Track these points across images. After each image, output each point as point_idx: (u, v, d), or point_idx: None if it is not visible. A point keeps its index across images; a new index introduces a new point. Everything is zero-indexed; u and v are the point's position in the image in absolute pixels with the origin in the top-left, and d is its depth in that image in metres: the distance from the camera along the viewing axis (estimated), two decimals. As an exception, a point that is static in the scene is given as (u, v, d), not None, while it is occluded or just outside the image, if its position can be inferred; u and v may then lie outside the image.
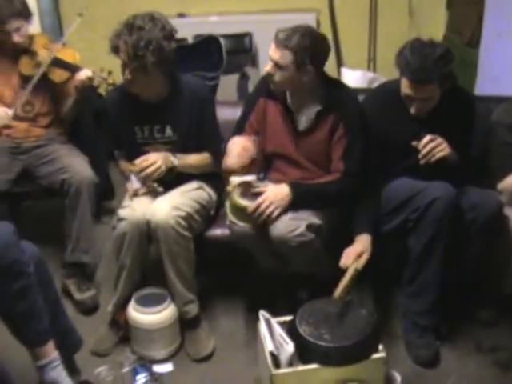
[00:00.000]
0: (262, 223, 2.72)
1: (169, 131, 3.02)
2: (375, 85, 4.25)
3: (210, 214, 3.08)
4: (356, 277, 2.64)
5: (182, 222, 2.80)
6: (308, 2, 5.33)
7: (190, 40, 5.02)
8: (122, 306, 2.98)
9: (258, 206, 2.69)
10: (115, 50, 2.83)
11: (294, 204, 2.75)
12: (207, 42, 4.89)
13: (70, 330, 2.73)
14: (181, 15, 5.25)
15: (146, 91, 2.96)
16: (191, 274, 2.92)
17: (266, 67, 2.78)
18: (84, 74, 3.29)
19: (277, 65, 2.72)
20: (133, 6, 5.38)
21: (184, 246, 2.84)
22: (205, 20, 5.34)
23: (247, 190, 2.78)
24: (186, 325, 3.00)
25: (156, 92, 2.97)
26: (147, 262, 3.00)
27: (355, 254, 2.73)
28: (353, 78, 4.61)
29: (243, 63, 4.95)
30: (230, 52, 4.86)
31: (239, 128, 3.02)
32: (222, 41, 4.84)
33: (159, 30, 2.79)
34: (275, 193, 2.72)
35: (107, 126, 3.18)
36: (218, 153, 3.07)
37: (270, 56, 2.75)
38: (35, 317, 2.49)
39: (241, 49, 5.07)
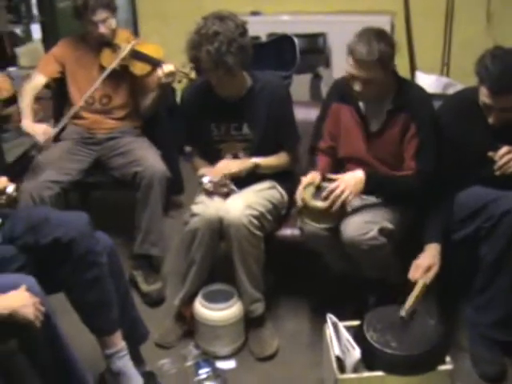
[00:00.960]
0: (335, 218, 2.70)
1: (246, 129, 3.01)
2: (450, 90, 4.18)
3: (281, 214, 3.07)
4: (424, 290, 2.60)
5: (255, 221, 2.80)
6: (383, 4, 5.28)
7: (264, 38, 5.02)
8: (189, 300, 3.00)
9: (333, 190, 2.66)
10: (195, 60, 2.82)
11: (367, 191, 2.74)
12: (281, 41, 4.87)
13: (138, 321, 2.77)
14: (254, 13, 5.26)
15: (229, 91, 2.96)
16: (260, 273, 2.92)
17: (355, 87, 2.71)
18: (167, 68, 3.31)
19: (366, 81, 2.68)
20: (207, 2, 5.47)
21: (255, 244, 2.83)
22: (278, 19, 5.33)
23: (320, 189, 2.76)
24: (250, 323, 3.00)
25: (237, 90, 2.97)
26: (216, 257, 3.01)
27: (424, 267, 2.68)
28: (427, 82, 4.53)
29: (316, 63, 4.92)
30: (304, 52, 4.82)
31: (317, 134, 3.02)
32: (296, 40, 4.83)
33: (234, 29, 2.78)
34: (350, 177, 2.71)
35: (183, 121, 3.17)
36: (295, 152, 3.09)
37: (353, 74, 2.69)
38: (106, 306, 2.53)
39: (314, 49, 5.05)
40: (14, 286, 2.15)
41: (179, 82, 3.40)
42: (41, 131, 3.31)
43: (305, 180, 2.80)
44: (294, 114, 3.12)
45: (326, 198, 2.68)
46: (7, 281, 2.22)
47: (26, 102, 3.47)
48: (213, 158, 3.06)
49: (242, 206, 2.80)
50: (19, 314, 2.07)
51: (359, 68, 2.66)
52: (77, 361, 2.34)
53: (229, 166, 2.96)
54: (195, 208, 2.90)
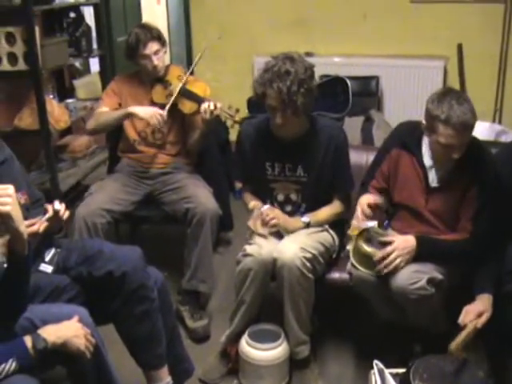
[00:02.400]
0: (384, 273, 2.70)
1: (300, 171, 3.01)
2: (503, 138, 4.16)
3: (331, 257, 3.07)
4: (474, 335, 2.56)
5: (308, 264, 2.79)
6: (437, 49, 5.31)
7: (317, 79, 5.06)
8: (235, 338, 3.00)
9: (385, 256, 2.67)
10: (262, 96, 2.85)
11: (418, 258, 2.71)
12: (334, 83, 4.92)
13: (184, 357, 2.80)
14: (309, 54, 5.32)
15: (289, 131, 2.96)
16: (308, 315, 2.91)
17: (454, 156, 2.67)
18: (208, 105, 3.32)
19: (456, 146, 2.66)
20: (263, 42, 5.57)
21: (306, 287, 2.83)
22: (331, 60, 5.41)
23: (373, 236, 2.76)
24: (295, 364, 2.99)
25: (296, 131, 2.98)
26: (265, 296, 3.01)
27: (476, 312, 2.64)
28: (479, 129, 4.49)
29: (368, 106, 4.95)
30: (356, 94, 4.87)
31: (370, 175, 3.02)
32: (349, 82, 4.87)
33: (304, 71, 2.79)
34: (403, 245, 2.69)
35: (238, 157, 3.19)
36: (348, 199, 3.09)
37: (453, 144, 2.65)
38: (154, 341, 2.56)
39: (367, 91, 5.10)
40: (67, 316, 2.20)
41: (224, 122, 3.44)
42: (154, 113, 3.42)
43: (365, 201, 2.81)
44: (348, 151, 3.13)
45: (380, 244, 2.70)
46: (61, 310, 2.26)
47: (110, 113, 3.58)
48: (265, 197, 3.08)
49: (296, 248, 2.80)
50: (71, 345, 2.11)
51: (462, 133, 2.60)
52: None
53: (280, 222, 2.97)
54: (249, 248, 2.90)
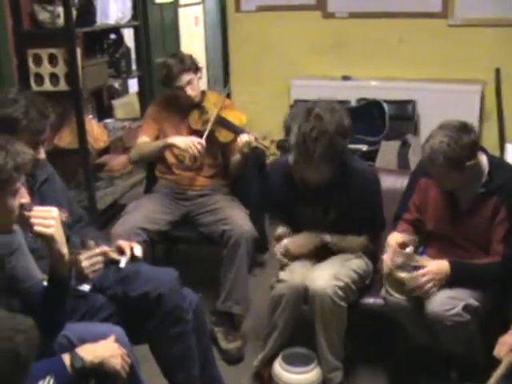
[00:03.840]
0: (416, 297, 2.68)
1: (332, 214, 2.99)
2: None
3: (365, 283, 3.04)
4: (510, 369, 2.53)
5: (340, 292, 2.78)
6: (474, 73, 5.27)
7: (353, 103, 5.08)
8: (268, 361, 3.01)
9: (418, 279, 2.66)
10: (288, 130, 2.87)
11: (452, 282, 2.70)
12: (370, 106, 4.93)
13: (218, 378, 2.80)
14: (345, 78, 5.34)
15: (310, 178, 2.90)
16: (341, 342, 2.90)
17: (445, 188, 2.75)
18: (244, 138, 3.37)
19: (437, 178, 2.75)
20: (300, 65, 5.60)
21: (338, 315, 2.82)
22: (368, 84, 5.40)
23: (406, 262, 2.75)
24: (328, 390, 2.97)
25: (321, 179, 2.89)
26: (298, 320, 3.01)
27: (510, 344, 2.62)
28: (515, 153, 4.48)
29: (405, 130, 4.94)
30: (393, 118, 4.87)
31: (403, 206, 3.01)
32: (386, 106, 4.87)
33: (336, 125, 2.72)
34: (436, 270, 2.68)
35: (269, 195, 3.19)
36: (376, 238, 3.07)
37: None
38: (187, 362, 2.57)
39: (403, 116, 5.08)
40: (104, 335, 2.22)
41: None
42: (193, 143, 3.46)
43: (393, 243, 2.79)
44: (381, 193, 3.07)
45: (414, 268, 2.69)
46: (97, 329, 2.29)
47: (150, 144, 3.66)
48: (300, 228, 3.06)
49: (329, 277, 2.80)
50: (108, 364, 2.12)
51: (432, 166, 2.69)
52: None
53: (302, 248, 2.98)
54: (282, 274, 2.91)
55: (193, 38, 6.95)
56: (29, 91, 2.78)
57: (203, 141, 3.49)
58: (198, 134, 3.58)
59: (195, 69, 3.63)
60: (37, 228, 2.00)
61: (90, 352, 2.10)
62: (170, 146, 3.55)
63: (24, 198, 1.99)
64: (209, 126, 3.54)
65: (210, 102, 3.69)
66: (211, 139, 3.57)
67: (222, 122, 3.58)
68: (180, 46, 6.15)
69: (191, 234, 3.65)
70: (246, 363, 3.25)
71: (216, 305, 3.42)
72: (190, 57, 3.66)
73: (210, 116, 3.58)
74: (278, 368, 2.92)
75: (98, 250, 2.51)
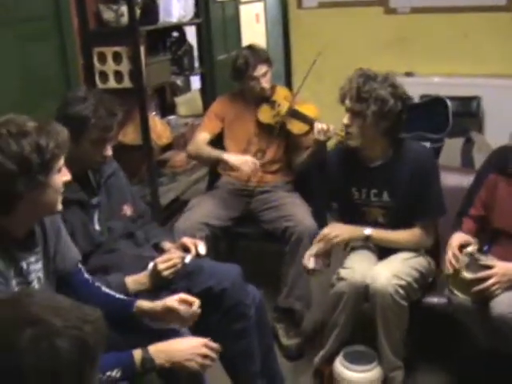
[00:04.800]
0: (481, 298, 2.63)
1: (385, 196, 2.96)
2: None
3: (427, 282, 3.01)
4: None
5: (401, 291, 2.75)
6: (541, 69, 5.16)
7: (416, 99, 5.03)
8: (329, 359, 3.00)
9: (483, 280, 2.60)
10: (343, 97, 2.87)
11: None
12: (433, 103, 4.87)
13: (279, 375, 2.82)
14: (408, 74, 5.29)
15: (364, 147, 2.92)
16: (402, 341, 2.87)
17: None
18: (322, 126, 3.35)
19: None
20: (362, 61, 5.50)
21: (399, 314, 2.79)
22: (431, 80, 5.34)
23: (472, 262, 2.70)
24: (389, 389, 2.95)
25: (375, 153, 2.93)
26: (359, 317, 3.00)
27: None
28: None
29: (469, 127, 4.86)
30: (456, 115, 4.80)
31: (469, 200, 2.96)
32: (449, 103, 4.80)
33: (388, 86, 2.78)
34: (504, 271, 2.61)
35: (326, 182, 3.21)
36: (430, 228, 2.99)
37: None
38: (249, 359, 2.59)
39: (467, 112, 5.01)
40: (173, 334, 2.26)
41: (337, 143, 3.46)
42: (247, 163, 3.48)
43: (456, 243, 2.75)
44: (441, 186, 2.99)
45: (480, 268, 2.63)
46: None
47: (207, 151, 3.67)
48: (353, 219, 3.05)
49: (389, 275, 2.77)
50: (182, 367, 2.11)
51: None
52: None
53: (340, 232, 2.94)
54: (343, 272, 2.90)
55: (254, 35, 6.95)
56: (97, 90, 2.85)
57: (257, 161, 3.50)
58: (266, 128, 3.61)
59: (269, 62, 3.66)
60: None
61: (164, 355, 2.08)
62: (222, 161, 3.57)
63: (66, 175, 2.04)
64: (280, 119, 3.54)
65: (280, 96, 3.69)
66: (281, 133, 3.58)
67: (295, 114, 3.58)
68: (241, 43, 6.17)
69: (253, 230, 3.67)
70: (306, 360, 3.26)
71: (277, 301, 3.43)
72: (265, 50, 3.70)
73: (281, 109, 3.59)
74: (339, 366, 2.91)
75: (173, 255, 2.60)
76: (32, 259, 2.04)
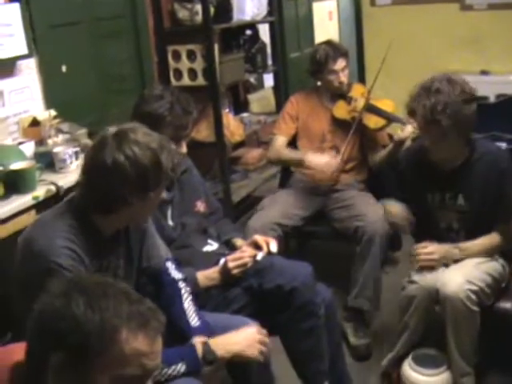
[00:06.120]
0: None
1: (460, 200, 2.89)
2: None
3: (500, 287, 2.92)
4: None
5: (473, 297, 2.68)
6: None
7: (492, 98, 4.92)
8: (397, 362, 2.97)
9: None
10: (412, 113, 2.79)
11: None
12: (511, 102, 4.75)
13: (346, 376, 2.81)
14: (484, 72, 5.18)
15: (442, 155, 2.86)
16: (472, 347, 2.79)
17: None
18: (407, 129, 3.34)
19: None
20: (436, 60, 5.48)
21: (470, 320, 2.71)
22: (508, 79, 5.22)
23: None
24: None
25: (451, 157, 2.86)
26: (429, 320, 2.96)
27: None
28: None
29: (547, 128, 4.73)
30: (536, 115, 4.67)
31: None
32: (527, 102, 4.68)
33: (458, 93, 2.67)
34: None
35: (399, 184, 3.18)
36: (509, 231, 2.88)
37: None
38: (317, 357, 2.58)
39: (547, 113, 4.87)
40: (236, 327, 2.25)
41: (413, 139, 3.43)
42: (328, 163, 3.50)
43: None
44: None
45: None
46: (233, 322, 2.34)
47: (288, 154, 3.70)
48: (426, 223, 3.01)
49: (461, 281, 2.69)
50: (241, 356, 2.15)
51: None
52: None
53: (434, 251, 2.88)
54: (414, 275, 2.86)
55: (327, 33, 6.93)
56: (174, 88, 2.89)
57: (339, 160, 3.50)
58: (341, 124, 3.61)
59: (348, 57, 3.67)
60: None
61: (223, 346, 2.12)
62: (304, 164, 3.56)
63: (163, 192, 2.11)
64: (357, 114, 3.54)
65: (357, 92, 3.69)
66: (359, 128, 3.57)
67: (372, 109, 3.57)
68: (314, 41, 6.16)
69: (324, 229, 3.68)
70: (374, 361, 3.24)
71: (347, 300, 3.42)
72: (344, 46, 3.71)
73: (358, 104, 3.59)
74: (408, 368, 2.87)
75: (244, 254, 2.62)
76: (114, 257, 2.10)
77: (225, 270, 2.58)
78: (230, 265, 2.57)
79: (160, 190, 2.04)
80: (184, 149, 2.65)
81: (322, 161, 3.49)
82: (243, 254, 2.61)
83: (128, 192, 1.93)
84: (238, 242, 2.90)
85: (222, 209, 3.13)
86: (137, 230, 2.21)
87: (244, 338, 2.17)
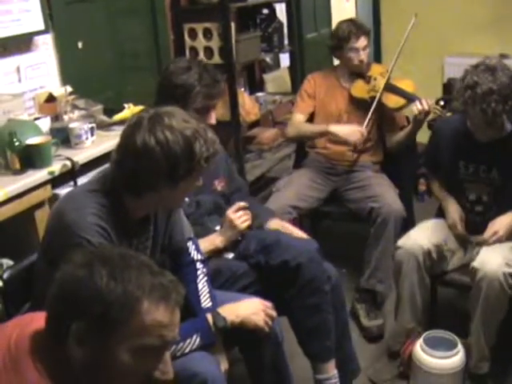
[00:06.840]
0: None
1: (495, 173, 2.87)
2: None
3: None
4: None
5: (510, 280, 2.65)
6: None
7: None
8: (401, 338, 2.98)
9: None
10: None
11: None
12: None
13: (352, 356, 2.80)
14: (503, 56, 5.11)
15: (488, 136, 2.84)
16: (496, 331, 2.77)
17: None
18: (421, 107, 3.30)
19: None
20: (455, 42, 5.42)
21: (502, 302, 2.68)
22: (528, 62, 5.15)
23: None
24: (470, 377, 2.85)
25: (496, 135, 2.83)
26: (436, 300, 2.95)
27: None
28: None
29: None
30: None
31: None
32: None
33: (507, 84, 2.63)
34: None
35: (431, 150, 3.16)
36: None
37: None
38: (323, 333, 2.57)
39: None
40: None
41: (432, 120, 3.40)
42: (353, 132, 3.48)
43: None
44: None
45: None
46: (239, 298, 2.34)
47: (309, 127, 3.69)
48: (455, 194, 3.02)
49: (501, 262, 2.65)
50: (249, 322, 2.18)
51: None
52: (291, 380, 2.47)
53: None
54: (399, 241, 2.91)
55: (344, 14, 6.87)
56: (199, 59, 2.89)
57: (364, 129, 3.47)
58: (359, 103, 3.60)
59: (369, 36, 3.65)
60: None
61: (232, 312, 2.17)
62: (329, 134, 3.54)
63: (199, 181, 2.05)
64: (377, 94, 3.51)
65: (376, 72, 3.66)
66: (378, 108, 3.55)
67: (392, 89, 3.55)
68: (331, 22, 6.12)
69: (338, 209, 3.67)
70: (387, 342, 3.21)
71: (360, 281, 3.41)
72: (366, 25, 3.67)
73: (378, 83, 3.56)
74: (419, 350, 2.85)
75: (241, 204, 2.65)
76: (142, 238, 2.10)
77: (228, 226, 2.62)
78: (232, 216, 2.61)
79: (192, 180, 1.96)
80: (213, 119, 2.65)
81: (346, 129, 3.49)
82: (242, 204, 2.65)
83: (156, 178, 1.89)
84: (271, 224, 2.86)
85: (247, 187, 3.14)
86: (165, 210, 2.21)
87: (250, 307, 2.22)
